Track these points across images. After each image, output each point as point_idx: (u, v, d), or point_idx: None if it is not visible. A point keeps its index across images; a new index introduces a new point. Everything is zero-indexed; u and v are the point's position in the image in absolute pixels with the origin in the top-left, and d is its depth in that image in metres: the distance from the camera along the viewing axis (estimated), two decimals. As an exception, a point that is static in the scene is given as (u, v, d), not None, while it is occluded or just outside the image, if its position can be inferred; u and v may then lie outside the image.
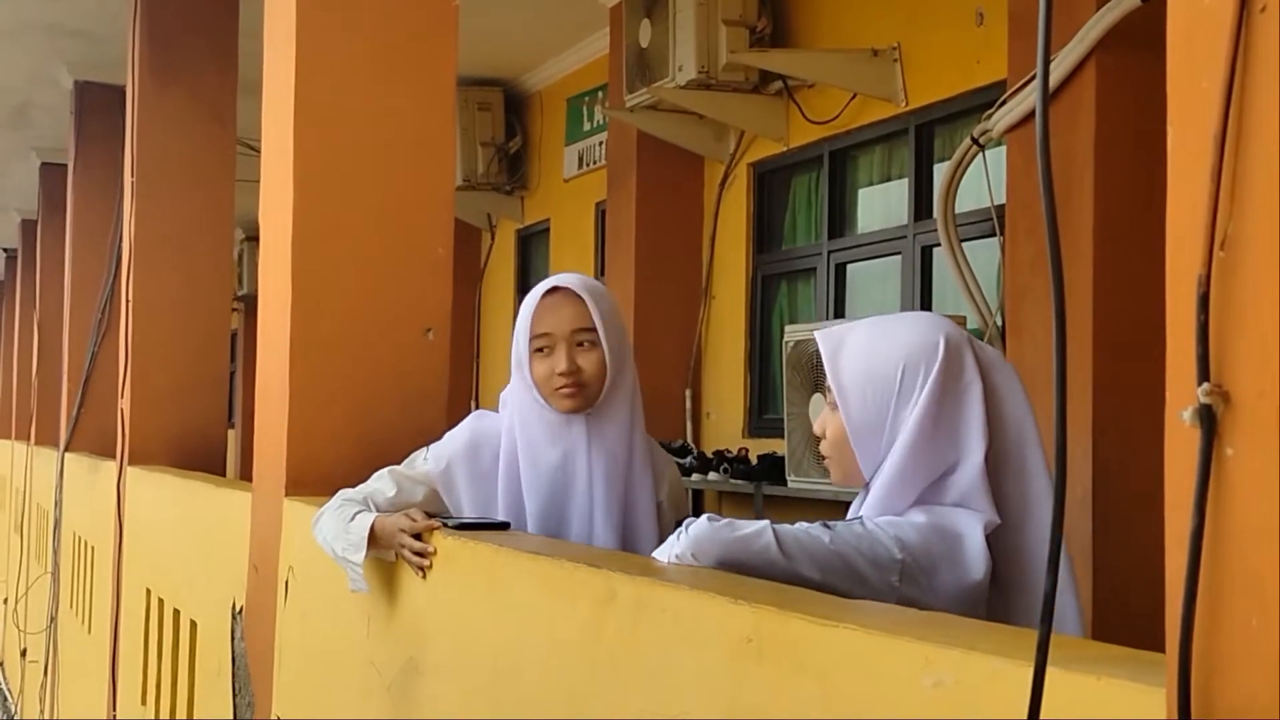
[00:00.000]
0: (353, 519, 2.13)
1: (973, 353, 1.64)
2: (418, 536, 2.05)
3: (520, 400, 2.11)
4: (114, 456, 5.26)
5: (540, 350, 2.06)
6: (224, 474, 5.11)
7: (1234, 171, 0.83)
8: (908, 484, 1.61)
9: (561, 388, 2.04)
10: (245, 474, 3.58)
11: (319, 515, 2.23)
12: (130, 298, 5.07)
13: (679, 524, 1.65)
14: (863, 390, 1.64)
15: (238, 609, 3.15)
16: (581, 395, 2.06)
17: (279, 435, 2.77)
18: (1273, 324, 0.81)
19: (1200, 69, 0.85)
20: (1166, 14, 0.89)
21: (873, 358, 1.64)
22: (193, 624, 3.80)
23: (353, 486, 2.25)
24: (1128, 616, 2.93)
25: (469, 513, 2.15)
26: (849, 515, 1.67)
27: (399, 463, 2.27)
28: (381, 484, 2.20)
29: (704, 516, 1.60)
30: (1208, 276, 0.84)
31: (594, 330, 2.05)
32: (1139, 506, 3.04)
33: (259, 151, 3.06)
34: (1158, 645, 0.91)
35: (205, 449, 5.02)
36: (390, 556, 2.13)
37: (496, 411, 2.19)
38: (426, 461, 2.20)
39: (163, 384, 5.00)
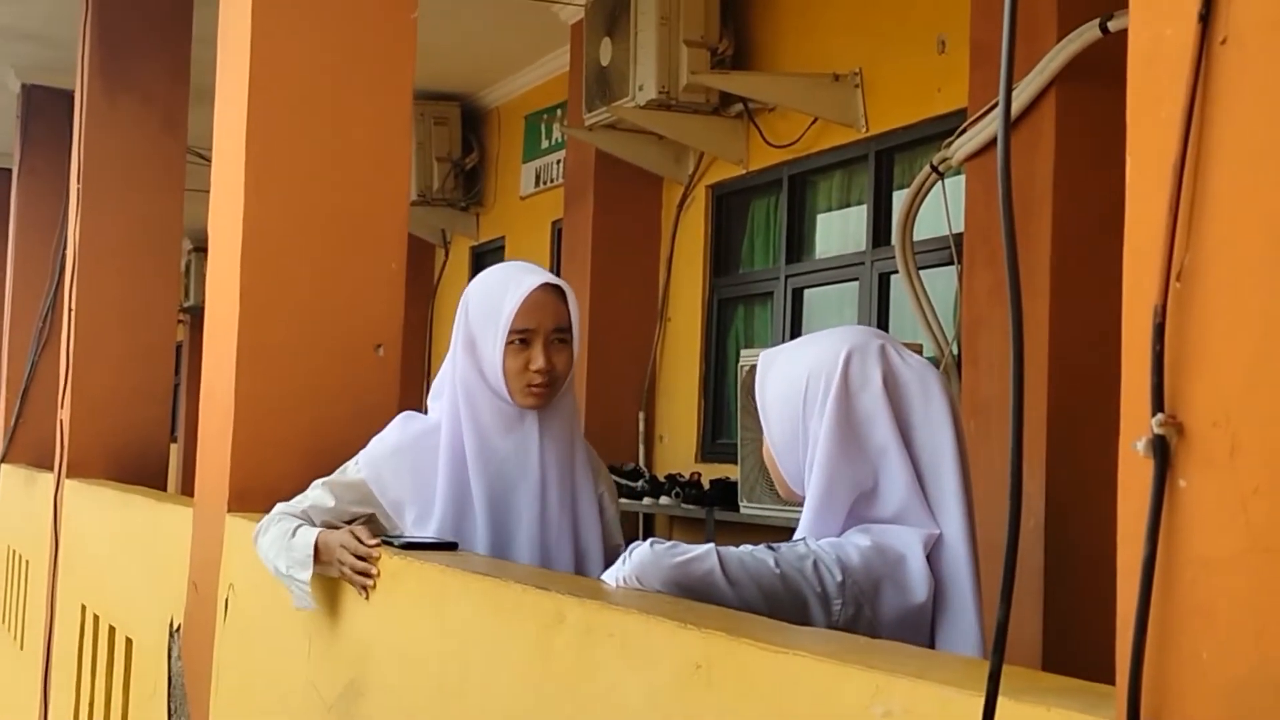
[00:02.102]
0: (294, 534, 2.11)
1: (883, 361, 1.63)
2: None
3: (468, 386, 2.08)
4: (52, 468, 5.15)
5: (515, 343, 2.04)
6: (165, 488, 5.01)
7: (1191, 203, 0.84)
8: (833, 499, 1.61)
9: (534, 385, 2.05)
10: (187, 489, 3.51)
11: (259, 529, 2.21)
12: (73, 307, 4.97)
13: (623, 544, 1.64)
14: (780, 406, 1.66)
15: (175, 627, 3.09)
16: (549, 394, 2.08)
17: (223, 450, 2.72)
18: (1227, 356, 0.81)
19: (1160, 99, 0.85)
20: (1127, 46, 0.89)
21: (787, 374, 1.67)
22: (129, 641, 3.72)
23: None
24: (1079, 647, 2.94)
25: (407, 510, 2.13)
26: (796, 535, 1.67)
27: None
28: (318, 495, 2.19)
29: (648, 540, 1.58)
30: (1163, 307, 0.84)
31: (569, 330, 2.07)
32: (1092, 536, 3.06)
33: (210, 160, 3.02)
34: (1109, 676, 0.90)
35: (146, 462, 4.93)
36: (334, 572, 2.10)
37: (423, 413, 2.18)
38: (359, 467, 2.18)
39: (104, 395, 4.90)
